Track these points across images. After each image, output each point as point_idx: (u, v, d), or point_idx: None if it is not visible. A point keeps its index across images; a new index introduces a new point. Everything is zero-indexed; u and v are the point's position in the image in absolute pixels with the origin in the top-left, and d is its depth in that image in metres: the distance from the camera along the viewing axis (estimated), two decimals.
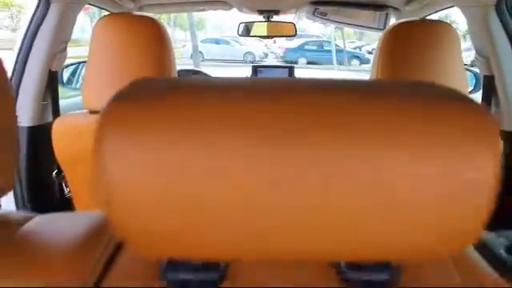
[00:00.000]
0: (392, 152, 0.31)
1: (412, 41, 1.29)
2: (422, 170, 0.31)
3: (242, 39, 14.89)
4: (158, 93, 0.34)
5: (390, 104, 0.32)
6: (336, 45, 16.67)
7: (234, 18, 2.46)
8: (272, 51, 18.47)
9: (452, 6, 1.73)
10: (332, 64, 15.47)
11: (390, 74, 1.28)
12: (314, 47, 17.81)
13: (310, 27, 19.69)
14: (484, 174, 0.31)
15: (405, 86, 0.36)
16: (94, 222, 0.54)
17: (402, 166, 0.31)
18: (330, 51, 16.68)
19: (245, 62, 16.10)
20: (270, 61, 16.97)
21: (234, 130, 0.31)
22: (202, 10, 2.34)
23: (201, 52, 14.91)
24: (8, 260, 0.46)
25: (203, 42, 17.05)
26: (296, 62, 15.15)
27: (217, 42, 17.82)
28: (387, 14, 2.14)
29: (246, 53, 16.97)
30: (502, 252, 0.67)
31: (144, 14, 1.47)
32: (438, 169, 0.31)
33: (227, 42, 17.51)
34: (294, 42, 16.95)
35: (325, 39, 18.53)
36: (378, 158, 0.31)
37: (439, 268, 0.49)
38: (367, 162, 0.31)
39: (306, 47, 17.51)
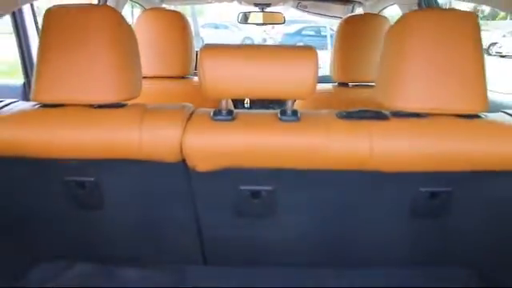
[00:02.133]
0: None
1: (357, 30, 1.86)
2: None
3: (241, 24, 15.36)
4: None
5: None
6: (331, 29, 17.13)
7: (232, 5, 3.05)
8: (270, 36, 18.93)
9: (393, 4, 2.36)
10: (327, 49, 15.95)
11: (343, 50, 1.86)
12: (312, 32, 18.24)
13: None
14: None
15: None
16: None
17: None
18: (326, 36, 17.15)
19: None
20: None
21: None
22: (210, 3, 2.97)
23: (201, 37, 15.40)
24: None
25: (203, 27, 17.48)
26: None
27: (216, 26, 18.25)
28: (353, 7, 2.77)
29: (245, 38, 17.42)
30: None
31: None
32: None
33: (226, 27, 17.94)
34: (292, 28, 17.36)
35: (321, 25, 18.96)
36: None
37: None
38: None
39: (304, 32, 17.95)
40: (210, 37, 16.82)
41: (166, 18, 1.88)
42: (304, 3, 2.78)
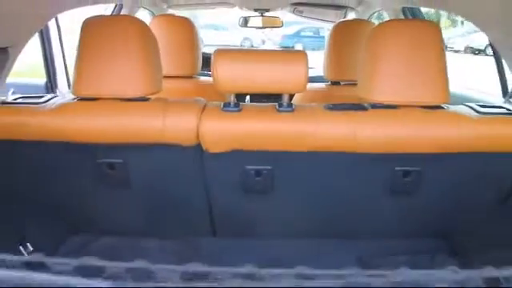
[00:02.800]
0: None
1: (346, 34, 2.06)
2: None
3: (239, 21, 15.55)
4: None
5: None
6: (329, 30, 17.30)
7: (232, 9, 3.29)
8: (269, 38, 19.12)
9: (380, 10, 2.59)
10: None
11: (334, 52, 2.08)
12: (310, 33, 18.42)
13: None
14: None
15: None
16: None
17: None
18: (324, 37, 17.34)
19: (242, 47, 16.77)
20: (268, 47, 17.60)
21: None
22: (213, 8, 3.20)
23: (200, 38, 15.60)
24: None
25: (202, 28, 17.67)
26: (293, 48, 15.82)
27: (216, 28, 18.44)
28: (346, 12, 3.00)
29: (244, 39, 17.63)
30: None
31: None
32: None
33: (225, 28, 18.14)
34: (291, 29, 17.57)
35: (320, 26, 19.15)
36: None
37: None
38: None
39: (303, 33, 18.16)
40: (210, 38, 17.02)
41: (176, 24, 2.11)
42: (300, 8, 3.01)
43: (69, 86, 2.43)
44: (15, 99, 1.37)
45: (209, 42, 16.64)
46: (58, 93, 2.37)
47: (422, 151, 1.29)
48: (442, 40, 1.27)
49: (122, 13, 2.38)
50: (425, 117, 1.27)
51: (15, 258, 0.47)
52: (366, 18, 2.89)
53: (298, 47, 17.08)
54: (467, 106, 1.35)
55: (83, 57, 1.29)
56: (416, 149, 1.28)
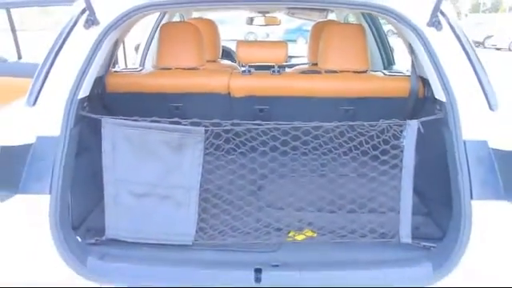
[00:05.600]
0: None
1: (321, 30, 3.11)
2: None
3: (245, 20, 16.62)
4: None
5: None
6: None
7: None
8: (273, 32, 20.01)
9: (349, 13, 3.63)
10: None
11: (314, 43, 3.11)
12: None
13: None
14: None
15: None
16: None
17: None
18: None
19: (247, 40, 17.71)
20: (272, 40, 18.51)
21: None
22: (228, 10, 4.25)
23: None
24: None
25: None
26: (295, 41, 16.79)
27: (221, 22, 19.37)
28: (327, 13, 4.03)
29: (248, 33, 18.58)
30: None
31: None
32: None
33: (228, 22, 19.08)
34: (294, 24, 18.50)
35: None
36: None
37: None
38: None
39: (304, 28, 19.04)
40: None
41: (204, 24, 3.16)
42: (293, 11, 4.05)
43: (140, 63, 3.49)
44: (122, 69, 2.41)
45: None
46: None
47: (354, 96, 2.31)
48: (364, 34, 2.30)
49: (164, 18, 3.45)
50: (354, 77, 2.29)
51: None
52: (341, 18, 3.94)
53: (300, 40, 18.18)
54: (380, 71, 2.38)
55: (162, 45, 2.33)
56: (350, 95, 2.30)
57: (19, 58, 3.41)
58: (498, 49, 21.68)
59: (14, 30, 3.32)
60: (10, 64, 3.34)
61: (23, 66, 3.24)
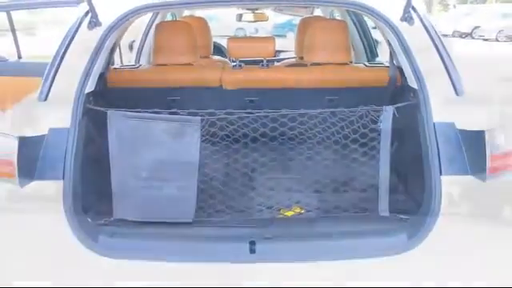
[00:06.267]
0: None
1: (307, 26, 3.29)
2: None
3: (234, 16, 16.81)
4: None
5: None
6: None
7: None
8: (262, 27, 20.12)
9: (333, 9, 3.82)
10: None
11: (300, 37, 3.29)
12: None
13: None
14: None
15: None
16: None
17: None
18: None
19: (236, 36, 17.90)
20: (261, 35, 18.67)
21: None
22: (216, 8, 4.41)
23: None
24: None
25: None
26: (285, 36, 16.94)
27: (210, 18, 19.48)
28: (313, 10, 4.21)
29: (238, 28, 18.69)
30: None
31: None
32: None
33: (219, 19, 19.20)
34: (283, 18, 18.60)
35: None
36: None
37: None
38: None
39: (293, 22, 19.15)
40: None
41: (197, 22, 3.33)
42: (280, 7, 4.23)
43: (136, 60, 3.65)
44: (121, 66, 2.59)
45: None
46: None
47: (337, 87, 2.50)
48: (347, 29, 2.49)
49: (157, 18, 3.62)
50: (337, 68, 2.49)
51: None
52: (327, 13, 4.13)
53: (290, 35, 18.39)
54: (362, 63, 2.57)
55: (158, 44, 2.51)
56: (334, 85, 2.49)
57: (19, 57, 3.55)
58: (485, 39, 21.93)
59: (13, 31, 3.47)
60: (10, 63, 3.48)
61: (23, 65, 3.40)
